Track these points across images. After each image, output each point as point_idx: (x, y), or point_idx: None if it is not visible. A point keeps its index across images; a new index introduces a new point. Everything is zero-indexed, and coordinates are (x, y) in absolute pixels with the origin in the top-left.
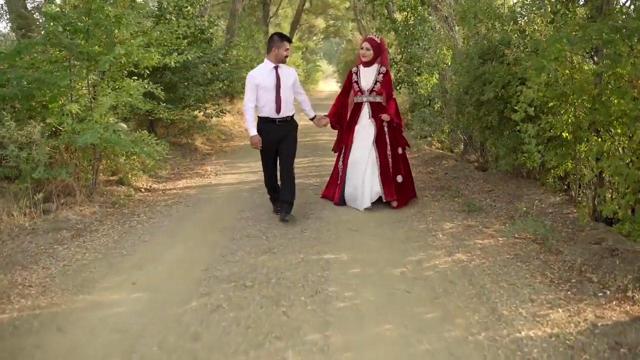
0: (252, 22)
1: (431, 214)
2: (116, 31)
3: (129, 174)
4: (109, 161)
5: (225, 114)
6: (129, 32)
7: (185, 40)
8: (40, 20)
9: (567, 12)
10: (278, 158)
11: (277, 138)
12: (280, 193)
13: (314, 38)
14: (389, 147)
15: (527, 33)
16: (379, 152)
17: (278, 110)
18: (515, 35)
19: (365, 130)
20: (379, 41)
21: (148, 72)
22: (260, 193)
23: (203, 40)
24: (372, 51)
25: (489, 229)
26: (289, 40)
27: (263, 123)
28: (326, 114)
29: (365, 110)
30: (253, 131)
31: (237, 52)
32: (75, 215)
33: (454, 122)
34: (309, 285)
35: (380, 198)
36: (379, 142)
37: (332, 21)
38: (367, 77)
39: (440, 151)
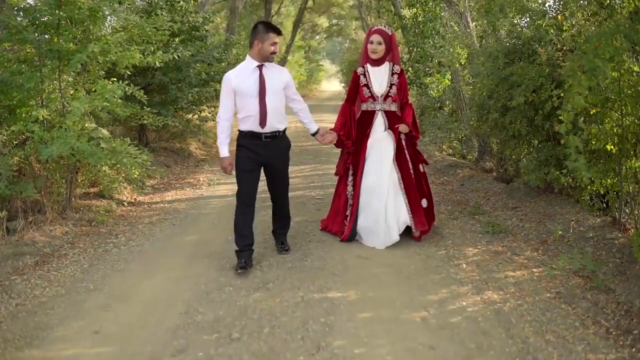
0: (254, 20)
1: (450, 235)
2: (91, 27)
3: (110, 186)
4: (86, 172)
5: None
6: (106, 27)
7: (178, 38)
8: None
9: (615, 2)
10: (269, 190)
11: (263, 159)
12: (274, 224)
13: (317, 37)
14: (410, 165)
15: (564, 28)
16: (402, 171)
17: (263, 122)
18: (552, 31)
19: (381, 144)
20: (390, 34)
21: (129, 72)
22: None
23: (197, 38)
24: (384, 46)
25: (519, 256)
26: (278, 32)
27: (245, 139)
28: (331, 127)
29: (380, 121)
30: (224, 151)
31: (236, 52)
32: (43, 236)
33: (474, 130)
34: (310, 337)
35: (407, 229)
36: (399, 159)
37: (335, 20)
38: (379, 79)
39: (453, 158)
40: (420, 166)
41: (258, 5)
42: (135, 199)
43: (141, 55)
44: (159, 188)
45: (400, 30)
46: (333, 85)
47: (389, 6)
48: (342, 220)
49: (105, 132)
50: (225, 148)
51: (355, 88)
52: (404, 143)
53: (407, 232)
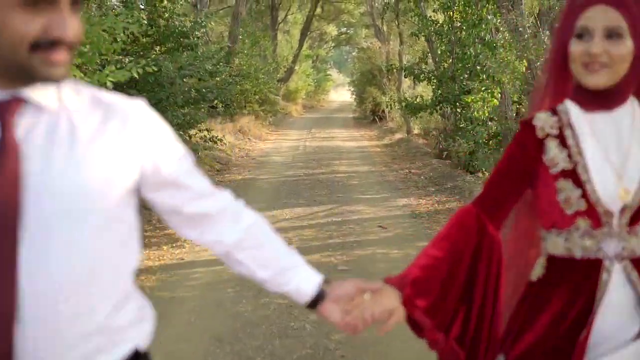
0: (259, 28)
1: None
2: None
3: None
4: None
5: (217, 142)
6: None
7: (161, 47)
8: None
9: None
10: None
11: None
12: None
13: (325, 46)
14: None
15: None
16: None
17: None
18: None
19: None
20: None
21: None
22: (255, 293)
23: (186, 46)
24: (630, 45)
25: None
26: None
27: None
28: (389, 275)
29: (622, 297)
30: None
31: (239, 62)
32: None
33: None
34: None
35: None
36: None
37: (345, 28)
38: (613, 151)
39: None
40: None
41: (264, 12)
42: None
43: (80, 73)
44: None
45: (424, 39)
46: (341, 95)
47: (417, 9)
48: None
49: None
50: None
51: (520, 174)
52: None
53: None
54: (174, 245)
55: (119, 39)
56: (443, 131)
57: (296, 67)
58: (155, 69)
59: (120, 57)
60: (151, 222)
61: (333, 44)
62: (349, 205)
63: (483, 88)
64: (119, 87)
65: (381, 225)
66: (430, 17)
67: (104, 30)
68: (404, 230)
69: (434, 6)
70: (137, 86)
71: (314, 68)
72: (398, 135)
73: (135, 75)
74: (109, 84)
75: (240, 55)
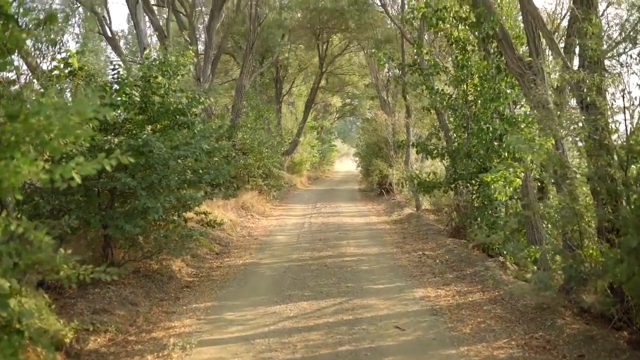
0: (264, 100)
1: None
2: None
3: None
4: None
5: (216, 226)
6: None
7: (155, 125)
8: None
9: None
10: None
11: None
12: None
13: (329, 117)
14: None
15: None
16: None
17: None
18: None
19: None
20: None
21: (20, 197)
22: None
23: (181, 124)
24: None
25: None
26: None
27: None
28: None
29: None
30: None
31: (242, 135)
32: None
33: (627, 279)
34: None
35: None
36: None
37: (349, 99)
38: None
39: (538, 293)
40: None
41: (268, 85)
42: None
43: (34, 168)
44: (105, 355)
45: (433, 112)
46: (346, 165)
47: (428, 82)
48: None
49: (4, 284)
50: None
51: None
52: None
53: None
54: (160, 354)
55: (91, 124)
56: (456, 208)
57: (301, 139)
58: (132, 160)
59: (110, 137)
60: (136, 322)
61: (338, 115)
62: (360, 298)
63: (505, 167)
64: (105, 171)
65: (398, 326)
66: (442, 90)
67: (72, 115)
68: (424, 332)
69: (444, 79)
70: (127, 169)
71: (319, 139)
72: (407, 210)
73: (108, 167)
74: (76, 177)
75: (243, 129)
